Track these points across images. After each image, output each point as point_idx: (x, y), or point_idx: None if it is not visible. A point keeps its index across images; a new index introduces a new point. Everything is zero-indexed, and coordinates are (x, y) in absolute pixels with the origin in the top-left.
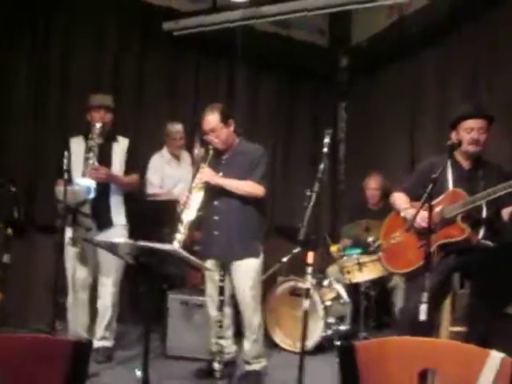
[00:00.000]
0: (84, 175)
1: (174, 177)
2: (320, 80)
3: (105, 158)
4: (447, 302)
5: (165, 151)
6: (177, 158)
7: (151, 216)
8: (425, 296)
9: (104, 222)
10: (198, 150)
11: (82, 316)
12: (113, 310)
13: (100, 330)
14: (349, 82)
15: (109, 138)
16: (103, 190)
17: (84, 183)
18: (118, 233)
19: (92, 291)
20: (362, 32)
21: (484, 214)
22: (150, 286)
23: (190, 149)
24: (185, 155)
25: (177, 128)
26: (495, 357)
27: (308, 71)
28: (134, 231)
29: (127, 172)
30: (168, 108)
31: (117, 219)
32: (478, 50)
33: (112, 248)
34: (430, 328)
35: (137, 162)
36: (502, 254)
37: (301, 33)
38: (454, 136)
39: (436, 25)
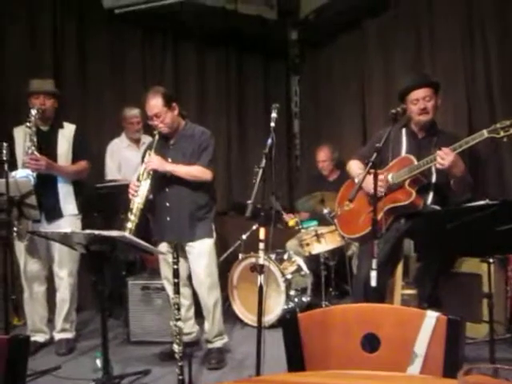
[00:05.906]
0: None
1: (134, 161)
2: (270, 54)
3: (50, 146)
4: (399, 267)
5: (123, 136)
6: (136, 142)
7: (107, 202)
8: (374, 262)
9: (53, 212)
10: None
11: (40, 309)
12: (71, 302)
13: (59, 322)
14: (300, 56)
15: (54, 124)
16: (50, 179)
17: (20, 174)
18: (68, 223)
19: (50, 283)
20: (310, 4)
21: (433, 179)
22: (104, 274)
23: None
24: (147, 139)
25: (133, 112)
26: (431, 316)
27: (257, 46)
28: (88, 219)
29: (75, 159)
30: (114, 89)
31: (66, 209)
32: (420, 22)
33: (62, 239)
34: (382, 293)
35: (85, 148)
36: (446, 218)
37: (248, 7)
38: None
39: None
